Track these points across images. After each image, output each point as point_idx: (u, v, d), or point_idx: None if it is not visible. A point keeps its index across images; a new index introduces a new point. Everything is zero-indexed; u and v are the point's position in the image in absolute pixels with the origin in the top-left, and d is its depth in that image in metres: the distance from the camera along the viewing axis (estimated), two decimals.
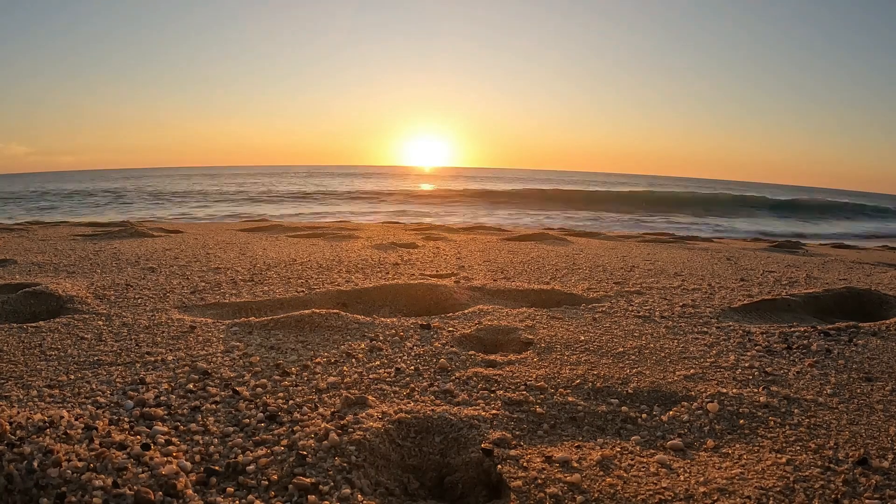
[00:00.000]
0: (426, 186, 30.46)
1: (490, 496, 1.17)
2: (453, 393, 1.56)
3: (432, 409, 1.41)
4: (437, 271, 3.45)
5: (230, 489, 1.07)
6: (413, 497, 1.18)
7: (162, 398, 1.46)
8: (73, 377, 1.60)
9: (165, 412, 1.38)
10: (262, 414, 1.38)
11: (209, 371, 1.67)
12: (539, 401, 1.52)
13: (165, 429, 1.29)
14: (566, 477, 1.15)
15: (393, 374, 1.69)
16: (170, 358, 1.78)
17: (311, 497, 1.05)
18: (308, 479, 1.09)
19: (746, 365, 1.84)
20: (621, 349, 1.97)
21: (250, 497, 1.05)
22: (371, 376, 1.67)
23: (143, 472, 1.07)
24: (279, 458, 1.18)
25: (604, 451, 1.25)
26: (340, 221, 10.11)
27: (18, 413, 1.26)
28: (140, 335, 2.02)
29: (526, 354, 1.89)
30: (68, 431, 1.19)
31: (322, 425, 1.30)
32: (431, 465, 1.26)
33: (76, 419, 1.27)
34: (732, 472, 1.19)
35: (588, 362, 1.83)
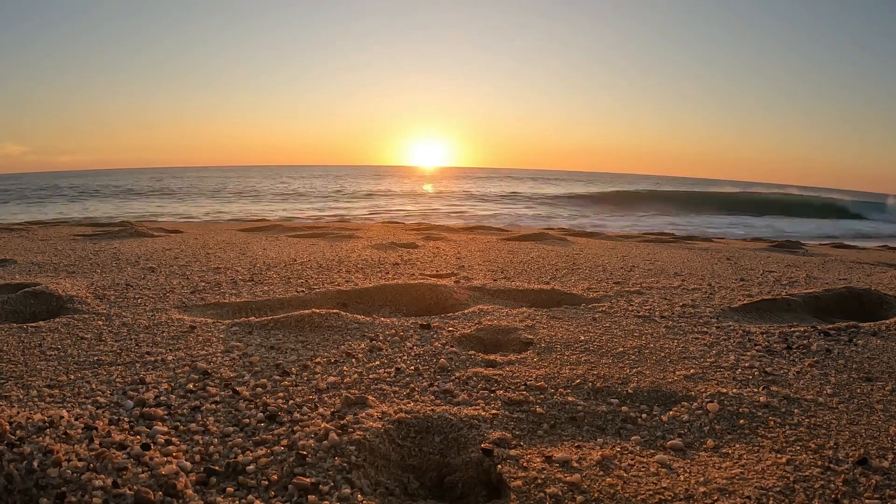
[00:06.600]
0: (428, 187, 30.34)
1: (490, 496, 1.17)
2: (453, 393, 1.56)
3: (432, 409, 1.41)
4: (437, 271, 3.45)
5: (230, 489, 1.07)
6: (413, 497, 1.18)
7: (162, 398, 1.46)
8: (73, 377, 1.60)
9: (165, 412, 1.38)
10: (262, 414, 1.38)
11: (209, 371, 1.67)
12: (539, 401, 1.52)
13: (165, 429, 1.29)
14: (566, 477, 1.15)
15: (393, 374, 1.69)
16: (170, 358, 1.78)
17: (311, 497, 1.05)
18: (308, 479, 1.09)
19: (746, 365, 1.84)
20: (621, 349, 1.97)
21: (250, 497, 1.05)
22: (371, 376, 1.67)
23: (143, 472, 1.07)
24: (279, 458, 1.18)
25: (604, 451, 1.25)
26: (340, 221, 10.11)
27: (18, 413, 1.26)
28: (140, 335, 2.02)
29: (526, 354, 1.89)
30: (68, 431, 1.19)
31: (322, 425, 1.30)
32: (431, 464, 1.26)
33: (76, 419, 1.27)
34: (732, 472, 1.19)
35: (588, 362, 1.83)
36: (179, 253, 4.04)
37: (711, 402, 1.51)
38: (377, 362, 1.79)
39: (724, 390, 1.59)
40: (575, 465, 1.20)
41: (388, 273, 3.34)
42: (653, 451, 1.28)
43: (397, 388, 1.59)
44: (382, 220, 11.42)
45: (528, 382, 1.63)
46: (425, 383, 1.63)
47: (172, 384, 1.56)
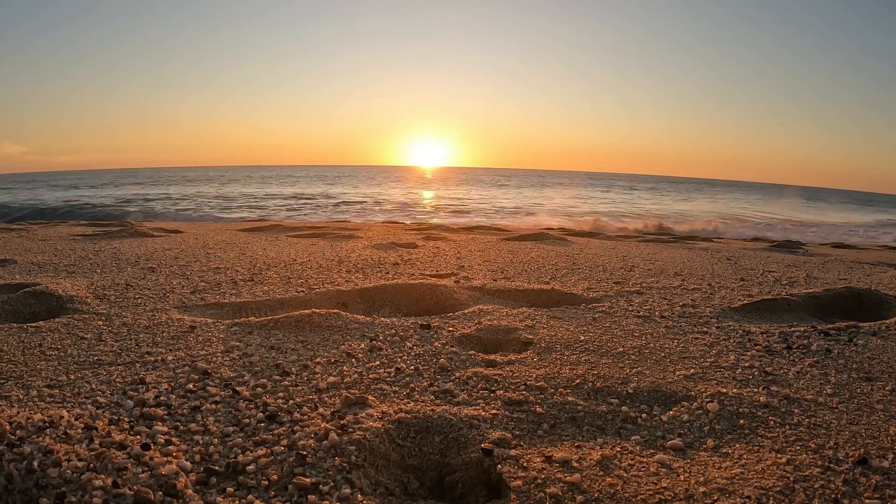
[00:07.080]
0: (428, 191, 30.07)
1: (490, 496, 1.17)
2: (453, 393, 1.56)
3: (432, 409, 1.41)
4: (437, 271, 3.45)
5: (230, 489, 1.07)
6: (413, 497, 1.18)
7: (162, 398, 1.46)
8: (73, 377, 1.60)
9: (165, 412, 1.38)
10: (262, 414, 1.38)
11: (209, 371, 1.67)
12: (539, 401, 1.52)
13: (165, 429, 1.29)
14: (566, 477, 1.15)
15: (393, 374, 1.69)
16: (170, 358, 1.78)
17: (311, 497, 1.05)
18: (308, 479, 1.09)
19: (746, 365, 1.84)
20: (621, 349, 1.97)
21: (250, 497, 1.05)
22: (371, 376, 1.67)
23: (143, 472, 1.07)
24: (279, 458, 1.18)
25: (604, 451, 1.25)
26: (340, 221, 10.11)
27: (18, 413, 1.26)
28: (140, 335, 2.02)
29: (526, 354, 1.89)
30: (68, 431, 1.19)
31: (322, 425, 1.30)
32: (431, 464, 1.26)
33: (76, 419, 1.27)
34: (732, 471, 1.19)
35: (588, 362, 1.83)
36: (179, 253, 4.04)
37: (711, 401, 1.51)
38: (377, 362, 1.79)
39: (724, 390, 1.59)
40: (575, 465, 1.20)
41: (388, 273, 3.34)
42: (653, 451, 1.28)
43: (397, 388, 1.59)
44: (383, 221, 11.40)
45: (528, 382, 1.63)
46: (425, 383, 1.63)
47: (172, 384, 1.56)
